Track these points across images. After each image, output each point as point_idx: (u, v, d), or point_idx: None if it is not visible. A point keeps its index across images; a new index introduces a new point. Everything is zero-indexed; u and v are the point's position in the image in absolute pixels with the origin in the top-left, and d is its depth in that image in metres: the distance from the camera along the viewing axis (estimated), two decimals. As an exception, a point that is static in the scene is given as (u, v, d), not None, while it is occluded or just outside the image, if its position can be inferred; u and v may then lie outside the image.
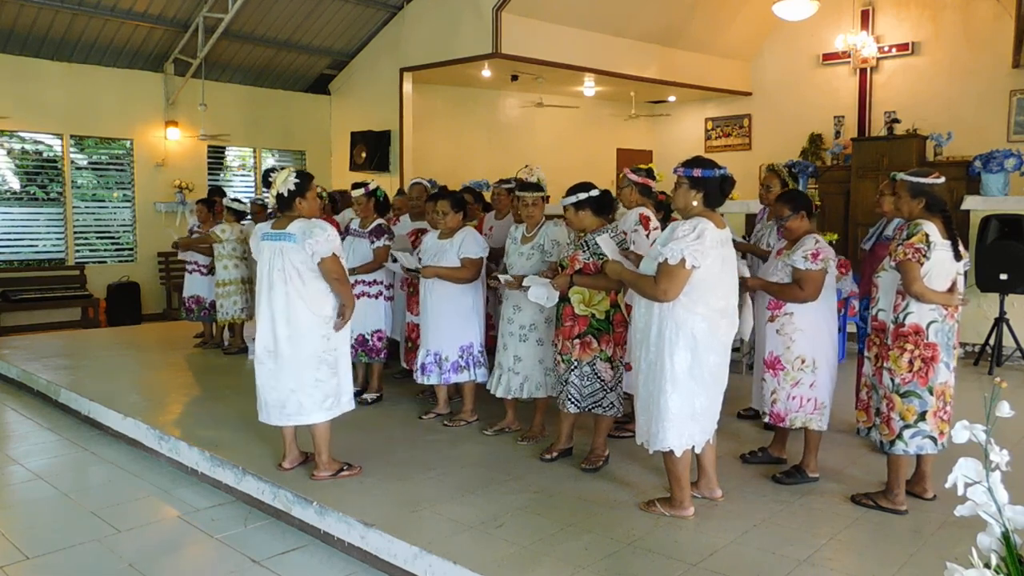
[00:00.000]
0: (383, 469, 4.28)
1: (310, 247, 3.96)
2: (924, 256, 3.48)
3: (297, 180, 4.06)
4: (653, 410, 3.53)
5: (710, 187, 3.48)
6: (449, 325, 4.98)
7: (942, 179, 3.65)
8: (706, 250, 3.36)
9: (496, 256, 5.31)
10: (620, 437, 4.73)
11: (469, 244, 4.91)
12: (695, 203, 3.49)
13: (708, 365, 3.48)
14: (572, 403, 4.23)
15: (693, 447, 3.59)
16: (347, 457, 4.30)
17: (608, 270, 3.79)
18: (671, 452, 3.53)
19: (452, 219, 4.99)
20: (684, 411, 3.48)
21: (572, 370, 4.19)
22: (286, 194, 4.04)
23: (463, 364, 5.02)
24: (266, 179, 4.13)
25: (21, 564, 3.60)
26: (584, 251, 4.14)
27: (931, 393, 3.55)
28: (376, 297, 5.60)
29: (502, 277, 4.72)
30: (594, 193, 4.16)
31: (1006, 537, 1.62)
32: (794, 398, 4.02)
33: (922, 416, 3.56)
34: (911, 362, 3.54)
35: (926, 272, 3.50)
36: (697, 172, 3.48)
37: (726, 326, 3.54)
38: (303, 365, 4.05)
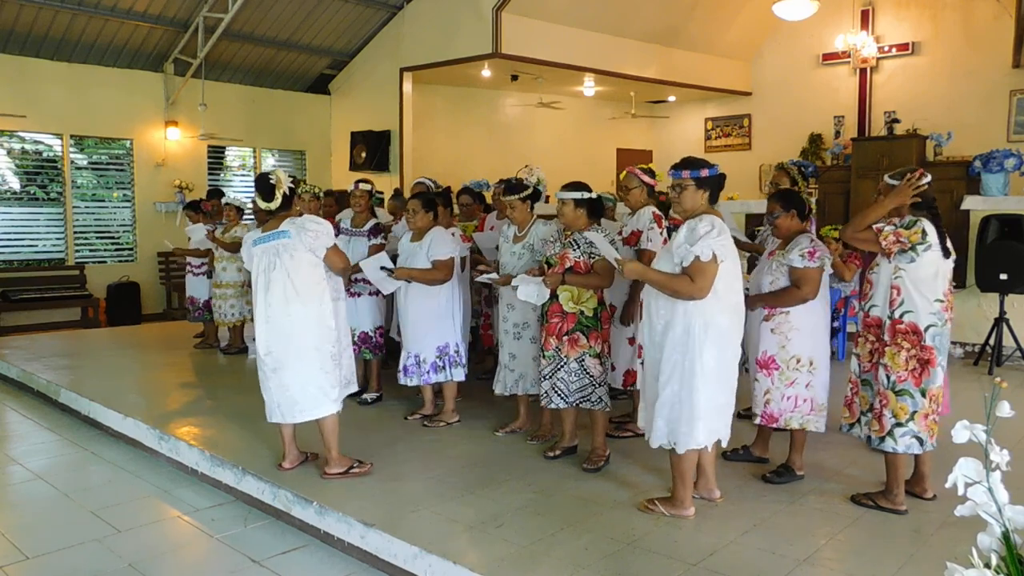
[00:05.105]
0: (383, 469, 4.28)
1: (308, 242, 4.03)
2: (906, 251, 3.50)
3: (292, 179, 4.19)
4: (682, 409, 3.49)
5: (714, 185, 3.54)
6: (424, 326, 4.99)
7: (927, 178, 3.65)
8: (727, 244, 3.43)
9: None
10: (620, 437, 4.74)
11: (437, 245, 4.90)
12: (702, 202, 3.53)
13: (729, 360, 3.53)
14: (560, 397, 4.23)
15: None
16: (347, 455, 4.29)
17: (628, 270, 3.68)
18: (701, 448, 3.54)
19: (421, 219, 4.98)
20: (711, 407, 3.51)
21: (560, 367, 4.21)
22: (288, 192, 4.12)
23: (441, 365, 5.03)
24: (267, 181, 4.13)
25: (21, 564, 3.60)
26: (575, 249, 4.15)
27: (923, 395, 3.56)
28: (376, 294, 5.60)
29: (487, 276, 4.74)
30: (595, 195, 4.23)
31: (1006, 537, 1.62)
32: (789, 398, 4.00)
33: (912, 416, 3.56)
34: (907, 361, 3.55)
35: (921, 273, 3.51)
36: (704, 172, 3.51)
37: (740, 321, 3.59)
38: (308, 358, 4.07)
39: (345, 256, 4.36)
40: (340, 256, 4.25)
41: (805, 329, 4.01)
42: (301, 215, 4.20)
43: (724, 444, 3.70)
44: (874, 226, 3.59)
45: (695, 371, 3.45)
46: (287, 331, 4.06)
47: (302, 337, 4.05)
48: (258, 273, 4.15)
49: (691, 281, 3.40)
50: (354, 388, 4.51)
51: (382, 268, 4.98)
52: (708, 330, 3.44)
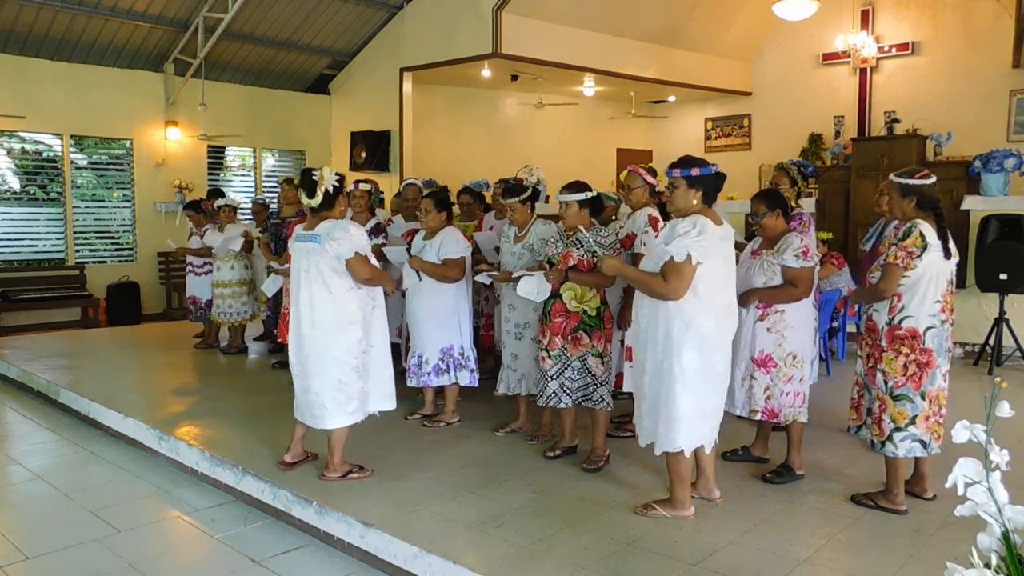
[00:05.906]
0: (383, 469, 4.28)
1: (332, 248, 3.94)
2: (916, 258, 3.48)
3: (339, 177, 4.06)
4: (662, 411, 3.50)
5: (707, 184, 3.51)
6: (429, 327, 4.98)
7: (932, 179, 3.63)
8: (709, 246, 3.38)
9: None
10: (620, 437, 4.74)
11: (448, 244, 4.90)
12: (695, 202, 3.51)
13: (715, 363, 3.49)
14: (566, 395, 4.24)
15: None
16: (347, 457, 4.28)
17: (606, 267, 3.74)
18: (679, 452, 3.52)
19: (434, 219, 4.96)
20: (695, 411, 3.47)
21: (567, 367, 4.21)
22: (331, 190, 4.03)
23: (443, 367, 5.01)
24: (310, 178, 4.07)
25: (21, 564, 3.60)
26: (578, 248, 4.16)
27: (923, 398, 3.55)
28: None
29: (484, 275, 4.73)
30: (595, 193, 4.24)
31: (1006, 537, 1.62)
32: (787, 394, 4.05)
33: (912, 420, 3.56)
34: (905, 366, 3.54)
35: (920, 275, 3.50)
36: (695, 171, 3.49)
37: (729, 323, 3.55)
38: (326, 367, 4.02)
39: (371, 266, 4.10)
40: (365, 266, 4.04)
41: (798, 326, 4.06)
42: (343, 216, 4.09)
43: (708, 450, 3.65)
44: (883, 260, 3.57)
45: (673, 373, 3.44)
46: (309, 337, 4.03)
47: (323, 345, 4.01)
48: (294, 272, 4.13)
49: (665, 281, 3.39)
50: (391, 405, 4.30)
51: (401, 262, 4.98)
52: (688, 332, 3.41)
